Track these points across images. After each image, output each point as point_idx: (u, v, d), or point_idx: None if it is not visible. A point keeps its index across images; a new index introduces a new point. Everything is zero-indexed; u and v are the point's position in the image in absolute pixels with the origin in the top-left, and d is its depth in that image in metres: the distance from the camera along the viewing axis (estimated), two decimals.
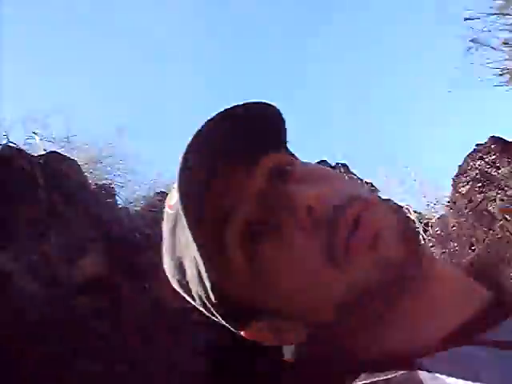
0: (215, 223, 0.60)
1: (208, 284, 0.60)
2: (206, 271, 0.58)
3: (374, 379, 0.56)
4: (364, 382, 0.57)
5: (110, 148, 13.14)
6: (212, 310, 0.65)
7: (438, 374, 0.53)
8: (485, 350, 0.55)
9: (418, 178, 12.27)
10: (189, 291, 0.66)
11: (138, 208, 11.71)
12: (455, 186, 7.28)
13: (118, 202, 10.96)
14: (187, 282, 0.65)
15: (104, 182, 11.39)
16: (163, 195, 12.19)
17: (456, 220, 6.85)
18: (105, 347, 5.66)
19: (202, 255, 0.57)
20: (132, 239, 8.20)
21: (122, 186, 12.79)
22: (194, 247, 0.56)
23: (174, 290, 0.69)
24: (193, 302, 0.68)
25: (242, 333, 0.67)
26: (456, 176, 7.39)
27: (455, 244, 6.72)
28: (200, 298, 0.64)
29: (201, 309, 0.67)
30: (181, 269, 0.65)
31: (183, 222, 0.56)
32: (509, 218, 5.75)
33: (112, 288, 6.43)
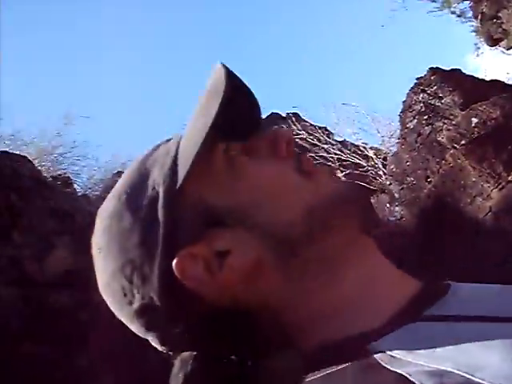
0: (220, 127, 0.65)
1: (183, 171, 0.64)
2: (191, 150, 0.63)
3: (329, 371, 0.54)
4: (318, 375, 0.55)
5: (58, 137, 12.85)
6: (168, 201, 0.65)
7: (394, 354, 0.52)
8: (435, 325, 0.56)
9: (369, 115, 12.39)
10: (144, 177, 0.69)
11: (98, 192, 11.57)
12: (403, 121, 7.37)
13: (77, 190, 10.81)
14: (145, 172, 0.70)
15: (58, 172, 11.18)
16: (121, 175, 11.94)
17: (409, 155, 6.97)
18: (88, 336, 5.68)
19: (202, 130, 0.63)
20: None
21: (78, 174, 12.59)
22: (204, 121, 0.63)
23: None
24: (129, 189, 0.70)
25: (174, 261, 0.63)
26: (402, 112, 7.46)
27: (411, 179, 6.86)
28: (162, 183, 0.66)
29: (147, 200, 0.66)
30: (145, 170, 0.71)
31: (215, 97, 0.64)
32: (457, 147, 5.88)
33: (86, 279, 6.40)
